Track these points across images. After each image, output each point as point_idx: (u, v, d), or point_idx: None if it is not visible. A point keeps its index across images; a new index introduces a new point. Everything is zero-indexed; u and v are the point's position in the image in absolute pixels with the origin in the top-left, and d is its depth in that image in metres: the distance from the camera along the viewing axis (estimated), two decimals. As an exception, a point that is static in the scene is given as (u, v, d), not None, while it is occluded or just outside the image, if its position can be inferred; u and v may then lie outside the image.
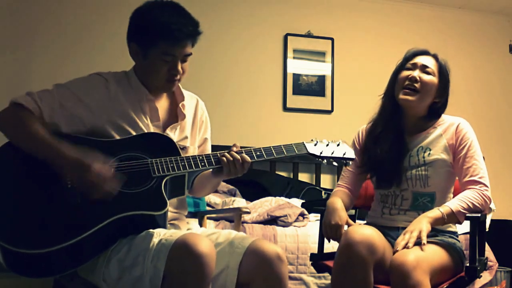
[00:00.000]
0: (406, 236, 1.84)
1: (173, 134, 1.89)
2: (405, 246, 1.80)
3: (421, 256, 1.77)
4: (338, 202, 2.06)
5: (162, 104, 1.91)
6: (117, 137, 1.77)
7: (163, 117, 1.89)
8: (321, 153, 1.87)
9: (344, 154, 1.89)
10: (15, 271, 1.57)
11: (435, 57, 2.13)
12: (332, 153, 1.88)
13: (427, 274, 1.74)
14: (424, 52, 2.14)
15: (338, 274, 1.83)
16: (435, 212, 1.91)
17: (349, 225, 1.99)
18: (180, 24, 1.74)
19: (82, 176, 1.59)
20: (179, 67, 1.80)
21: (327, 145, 1.90)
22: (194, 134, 1.98)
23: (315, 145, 1.88)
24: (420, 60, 2.10)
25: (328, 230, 2.01)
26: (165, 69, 1.79)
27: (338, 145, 1.91)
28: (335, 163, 1.91)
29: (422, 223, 1.86)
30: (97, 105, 1.77)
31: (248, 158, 1.75)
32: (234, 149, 1.76)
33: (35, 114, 1.69)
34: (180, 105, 1.92)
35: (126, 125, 1.79)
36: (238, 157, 1.73)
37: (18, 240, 1.51)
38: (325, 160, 1.88)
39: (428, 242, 1.92)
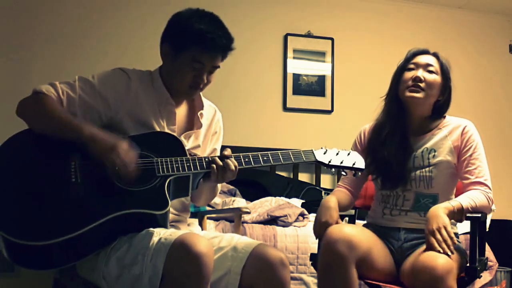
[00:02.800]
0: (437, 236, 1.80)
1: (187, 141, 1.89)
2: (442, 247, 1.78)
3: (451, 261, 1.76)
4: (332, 201, 2.04)
5: (181, 111, 1.92)
6: (131, 134, 1.78)
7: (180, 124, 1.90)
8: (329, 161, 1.85)
9: (354, 164, 1.86)
10: (18, 262, 1.58)
11: (435, 55, 2.13)
12: (341, 162, 1.85)
13: (455, 279, 1.75)
14: (425, 52, 2.14)
15: (322, 273, 1.87)
16: (447, 205, 1.89)
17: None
18: (215, 35, 1.77)
19: (113, 155, 1.62)
20: (205, 77, 1.82)
21: (337, 153, 1.87)
22: (206, 143, 1.98)
23: (325, 153, 1.86)
24: (422, 59, 2.10)
25: (317, 227, 2.01)
26: (191, 75, 1.80)
27: (348, 154, 1.88)
28: (343, 173, 1.90)
29: (441, 217, 1.82)
30: (115, 100, 1.79)
31: (232, 165, 1.73)
32: (226, 153, 1.76)
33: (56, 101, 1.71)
34: (198, 113, 1.92)
35: (142, 124, 1.80)
36: (232, 167, 1.73)
37: (21, 232, 1.52)
38: (333, 169, 1.86)
39: None
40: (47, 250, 1.54)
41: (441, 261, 1.73)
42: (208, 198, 2.02)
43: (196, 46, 1.76)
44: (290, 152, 1.81)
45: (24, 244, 1.52)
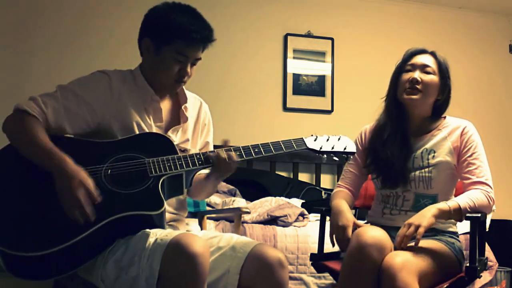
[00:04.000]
0: (404, 229, 1.84)
1: (175, 136, 1.88)
2: (402, 242, 1.82)
3: (409, 258, 1.77)
4: (343, 204, 2.06)
5: (166, 106, 1.91)
6: (120, 137, 1.76)
7: (166, 119, 1.89)
8: (321, 148, 1.84)
9: (345, 148, 1.85)
10: (15, 274, 1.56)
11: (433, 54, 2.13)
12: (333, 147, 1.84)
13: (415, 275, 1.74)
14: (422, 51, 2.14)
15: (348, 276, 1.81)
16: (443, 205, 1.90)
17: (356, 226, 1.98)
18: (197, 27, 1.78)
19: (68, 190, 1.56)
20: (189, 69, 1.82)
21: (327, 139, 1.87)
22: (196, 137, 1.97)
23: (315, 140, 1.85)
24: (419, 60, 2.10)
25: (335, 231, 1.99)
26: (176, 68, 1.80)
27: (339, 139, 1.87)
28: (335, 158, 1.88)
29: (425, 217, 1.85)
30: (99, 104, 1.77)
31: (233, 157, 1.73)
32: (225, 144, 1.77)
33: (40, 119, 1.67)
34: (182, 107, 1.91)
35: (129, 125, 1.79)
36: (226, 156, 1.73)
37: (16, 243, 1.50)
38: (325, 155, 1.85)
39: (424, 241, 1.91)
40: (45, 260, 1.53)
41: (397, 259, 1.74)
42: (210, 193, 2.01)
43: (179, 39, 1.77)
44: (280, 142, 1.80)
45: (20, 256, 1.50)
